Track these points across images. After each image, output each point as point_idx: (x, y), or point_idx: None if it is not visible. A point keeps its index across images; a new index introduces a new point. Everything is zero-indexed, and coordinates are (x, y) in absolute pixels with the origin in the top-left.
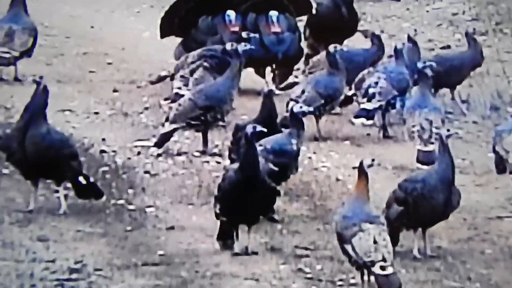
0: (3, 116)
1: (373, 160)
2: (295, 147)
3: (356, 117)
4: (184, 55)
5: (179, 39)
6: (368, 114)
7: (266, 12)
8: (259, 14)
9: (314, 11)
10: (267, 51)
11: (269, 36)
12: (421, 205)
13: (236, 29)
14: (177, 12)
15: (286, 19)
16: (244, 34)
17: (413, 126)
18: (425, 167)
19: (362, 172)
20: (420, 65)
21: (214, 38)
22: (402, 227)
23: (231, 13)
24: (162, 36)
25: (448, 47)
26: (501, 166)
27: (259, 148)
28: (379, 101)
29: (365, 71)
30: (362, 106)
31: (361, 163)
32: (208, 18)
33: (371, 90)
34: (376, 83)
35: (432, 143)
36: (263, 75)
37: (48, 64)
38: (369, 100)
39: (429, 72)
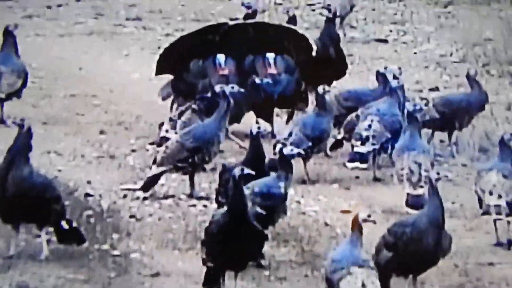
0: None
1: (369, 216)
2: (283, 190)
3: (350, 160)
4: (171, 95)
5: (165, 81)
6: (362, 157)
7: (265, 53)
8: (256, 55)
9: (314, 53)
10: (263, 92)
11: (265, 78)
12: (411, 250)
13: (226, 72)
14: (175, 52)
15: (283, 60)
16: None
17: (402, 169)
18: (414, 211)
19: (356, 221)
20: (410, 107)
21: (205, 81)
22: (392, 273)
23: (220, 57)
24: (157, 73)
25: (437, 88)
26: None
27: (246, 191)
28: (373, 144)
29: (353, 114)
30: (356, 149)
31: (356, 217)
32: (200, 61)
33: (364, 133)
34: (370, 125)
35: (422, 186)
36: (268, 119)
37: (35, 106)
38: (362, 143)
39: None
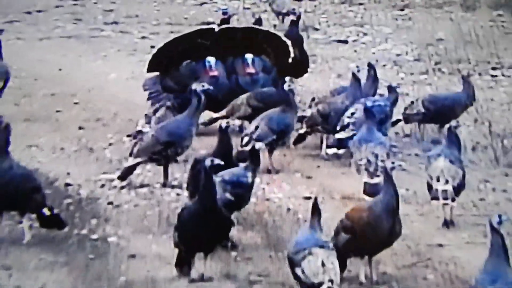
0: None
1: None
2: (250, 180)
3: (328, 147)
4: (160, 92)
5: (142, 81)
6: (340, 143)
7: (244, 54)
8: (237, 56)
9: (290, 60)
10: (242, 90)
11: (244, 77)
12: (367, 233)
13: (215, 73)
14: (167, 52)
15: (261, 61)
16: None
17: (360, 159)
18: (371, 198)
19: (315, 206)
20: (369, 103)
21: (196, 82)
22: (350, 254)
23: (211, 59)
24: (148, 71)
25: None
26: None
27: (217, 179)
28: (352, 130)
29: (314, 109)
30: (336, 135)
31: (315, 199)
32: (192, 63)
33: (346, 120)
34: (353, 113)
35: (378, 175)
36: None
37: (16, 104)
38: (342, 130)
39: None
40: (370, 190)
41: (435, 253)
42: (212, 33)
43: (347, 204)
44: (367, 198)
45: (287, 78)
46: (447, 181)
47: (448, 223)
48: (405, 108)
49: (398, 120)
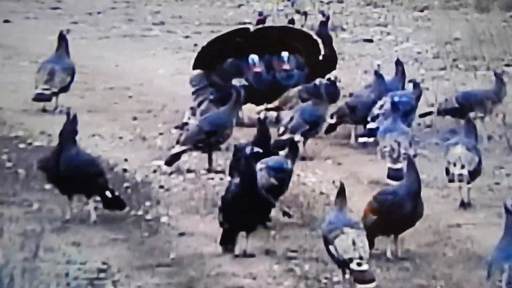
0: (46, 141)
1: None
2: (290, 166)
3: (360, 136)
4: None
5: (187, 76)
6: (370, 133)
7: (280, 52)
8: (273, 54)
9: (321, 57)
10: (279, 85)
11: (280, 73)
12: (392, 214)
13: (259, 70)
14: (211, 50)
15: (295, 58)
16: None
17: (385, 147)
18: (395, 182)
19: (342, 189)
20: (396, 98)
21: (237, 78)
22: (377, 233)
23: (254, 57)
24: (194, 68)
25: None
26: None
27: (262, 166)
28: (382, 120)
29: (343, 103)
30: (367, 126)
31: (342, 184)
32: (236, 61)
33: (376, 111)
34: (382, 105)
35: (401, 162)
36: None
37: (81, 97)
38: (373, 120)
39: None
40: (394, 174)
41: (454, 232)
42: (248, 33)
43: (374, 188)
44: (391, 182)
45: (332, 77)
46: (463, 166)
47: (465, 205)
48: (440, 104)
49: (430, 113)
